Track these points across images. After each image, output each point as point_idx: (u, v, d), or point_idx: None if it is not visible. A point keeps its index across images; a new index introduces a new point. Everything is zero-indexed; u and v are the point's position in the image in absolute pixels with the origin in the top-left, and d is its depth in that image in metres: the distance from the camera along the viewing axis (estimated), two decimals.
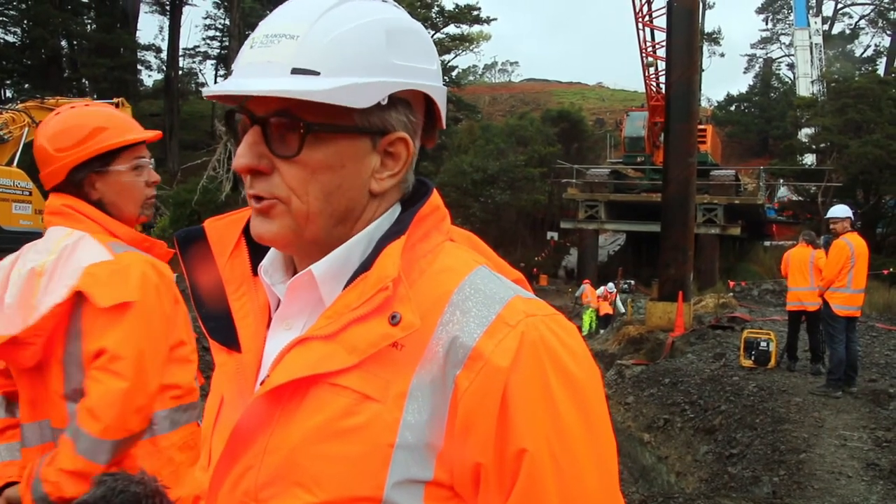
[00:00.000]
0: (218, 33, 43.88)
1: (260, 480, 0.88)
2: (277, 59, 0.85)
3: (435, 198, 0.97)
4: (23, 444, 1.96)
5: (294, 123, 0.86)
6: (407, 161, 0.94)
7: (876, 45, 55.05)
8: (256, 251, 0.99)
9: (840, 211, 8.82)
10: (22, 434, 1.96)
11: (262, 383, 0.90)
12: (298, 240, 0.91)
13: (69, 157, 1.94)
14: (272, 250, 0.99)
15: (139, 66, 40.17)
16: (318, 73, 0.84)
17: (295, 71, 0.84)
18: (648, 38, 26.11)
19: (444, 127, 1.00)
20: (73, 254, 1.87)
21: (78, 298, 1.83)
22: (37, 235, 2.08)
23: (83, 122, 1.97)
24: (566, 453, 0.83)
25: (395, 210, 0.96)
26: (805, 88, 40.51)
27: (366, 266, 0.89)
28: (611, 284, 21.84)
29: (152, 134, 2.09)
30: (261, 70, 0.86)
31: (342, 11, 0.88)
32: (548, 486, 0.82)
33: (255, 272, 0.99)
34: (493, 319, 0.85)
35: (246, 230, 1.00)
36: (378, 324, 0.85)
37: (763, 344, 10.20)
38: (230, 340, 0.97)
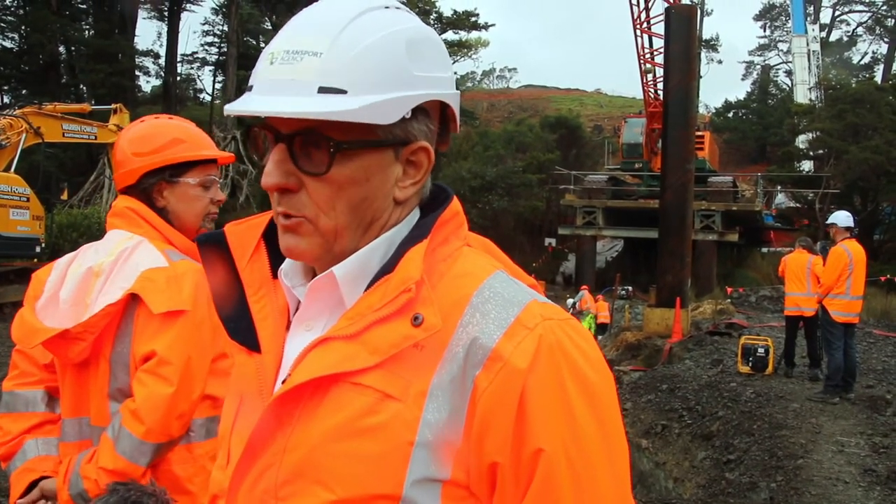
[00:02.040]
0: (216, 39, 43.65)
1: (280, 479, 0.89)
2: (302, 77, 0.85)
3: (455, 204, 1.00)
4: (62, 439, 1.99)
5: (321, 141, 0.87)
6: (428, 168, 0.96)
7: (873, 53, 55.45)
8: (276, 255, 1.01)
9: (840, 218, 8.82)
10: (62, 429, 2.00)
11: (283, 382, 0.92)
12: (327, 254, 0.93)
13: (144, 161, 2.02)
14: None
15: (137, 72, 40.10)
16: (344, 92, 0.85)
17: (322, 90, 0.84)
18: (646, 44, 26.18)
19: (458, 131, 1.02)
20: (130, 257, 1.93)
21: (132, 300, 1.89)
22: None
23: (164, 131, 2.06)
24: (581, 455, 0.84)
25: (415, 215, 0.98)
26: (803, 95, 40.55)
27: (387, 269, 0.91)
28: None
29: (226, 154, 2.17)
30: (285, 88, 0.85)
31: (362, 23, 0.88)
32: (563, 486, 0.83)
33: (274, 276, 1.01)
34: (511, 322, 0.87)
35: (265, 234, 1.02)
36: (400, 325, 0.87)
37: (761, 350, 10.22)
38: (250, 341, 0.99)
